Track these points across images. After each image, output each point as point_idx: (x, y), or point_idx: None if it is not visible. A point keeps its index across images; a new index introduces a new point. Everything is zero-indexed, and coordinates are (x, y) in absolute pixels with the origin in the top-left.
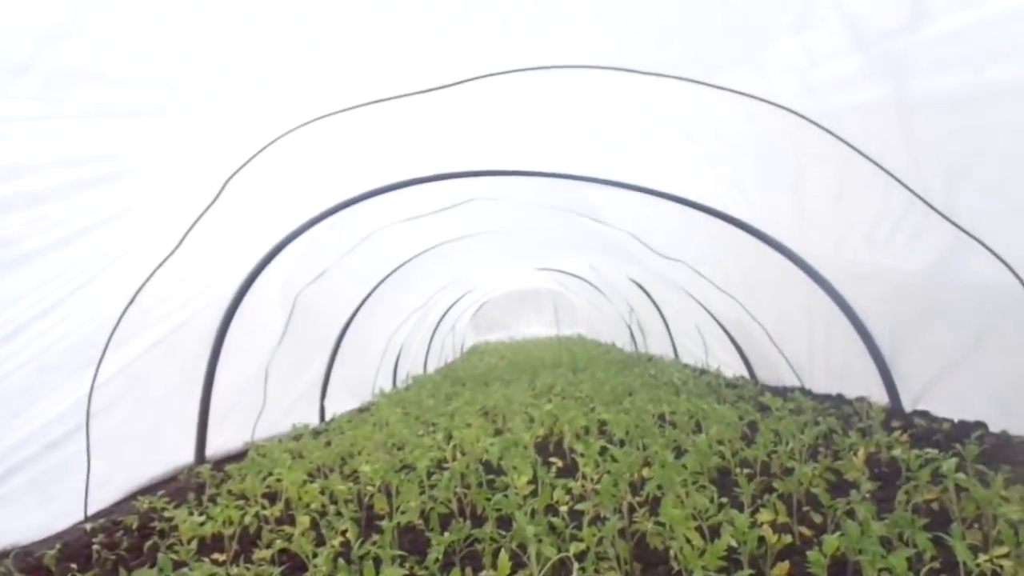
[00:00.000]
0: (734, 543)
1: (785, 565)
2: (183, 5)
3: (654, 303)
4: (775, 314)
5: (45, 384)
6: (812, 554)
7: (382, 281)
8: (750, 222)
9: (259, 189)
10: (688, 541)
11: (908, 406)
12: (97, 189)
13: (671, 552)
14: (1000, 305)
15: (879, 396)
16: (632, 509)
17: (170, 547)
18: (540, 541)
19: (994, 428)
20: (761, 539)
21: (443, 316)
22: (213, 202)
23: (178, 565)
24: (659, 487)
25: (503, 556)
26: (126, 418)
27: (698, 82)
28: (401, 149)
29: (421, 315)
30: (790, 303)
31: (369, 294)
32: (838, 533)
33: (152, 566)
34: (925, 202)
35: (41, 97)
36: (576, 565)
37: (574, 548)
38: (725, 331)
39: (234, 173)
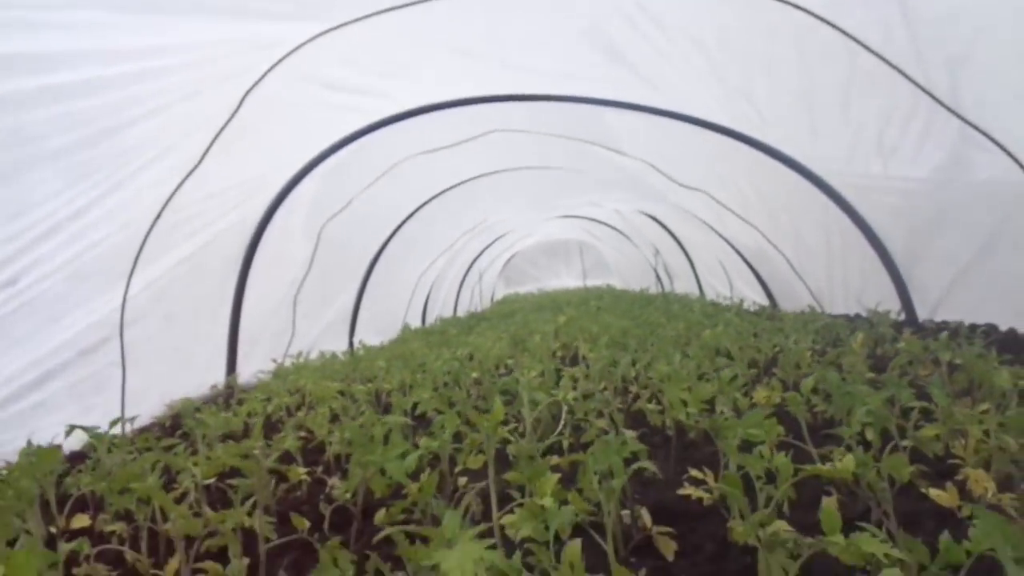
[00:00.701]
0: (725, 410)
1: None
2: None
3: (677, 241)
4: (793, 239)
5: (79, 293)
6: (790, 395)
7: (408, 217)
8: (765, 141)
9: (278, 109)
10: (684, 405)
11: (924, 317)
12: (120, 91)
13: (664, 422)
14: (1009, 201)
15: (897, 312)
16: (627, 391)
17: (201, 437)
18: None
19: (1004, 328)
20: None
21: (472, 263)
22: (233, 116)
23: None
24: (656, 366)
25: (497, 401)
26: (155, 334)
27: None
28: (419, 72)
29: (449, 258)
30: (807, 224)
31: (396, 230)
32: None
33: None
34: (930, 95)
35: None
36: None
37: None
38: (746, 262)
39: (252, 86)
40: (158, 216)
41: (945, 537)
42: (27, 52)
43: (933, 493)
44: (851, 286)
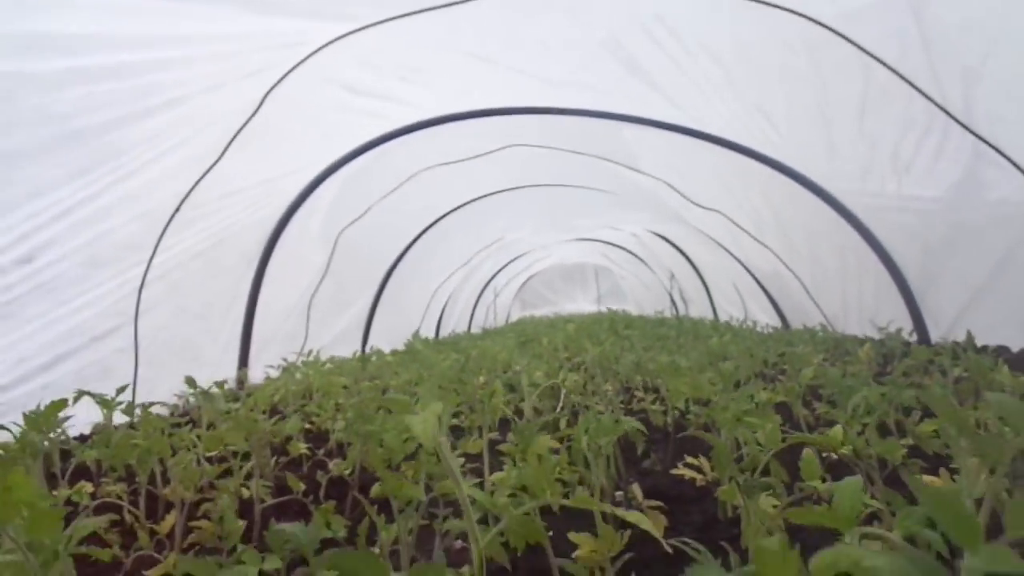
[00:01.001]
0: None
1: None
2: None
3: (692, 264)
4: (807, 260)
5: (94, 279)
6: (790, 386)
7: (426, 229)
8: (780, 160)
9: (298, 110)
10: (684, 397)
11: (937, 339)
12: (144, 77)
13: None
14: (1022, 221)
15: (908, 333)
16: (630, 391)
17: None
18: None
19: (1016, 349)
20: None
21: (488, 282)
22: (254, 114)
23: (210, 425)
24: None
25: (497, 383)
26: (167, 326)
27: None
28: (438, 78)
29: (465, 274)
30: (821, 245)
31: (413, 241)
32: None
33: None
34: (943, 110)
35: None
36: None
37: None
38: (759, 284)
39: (274, 85)
40: (177, 210)
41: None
42: (54, 32)
43: (926, 479)
44: (865, 308)
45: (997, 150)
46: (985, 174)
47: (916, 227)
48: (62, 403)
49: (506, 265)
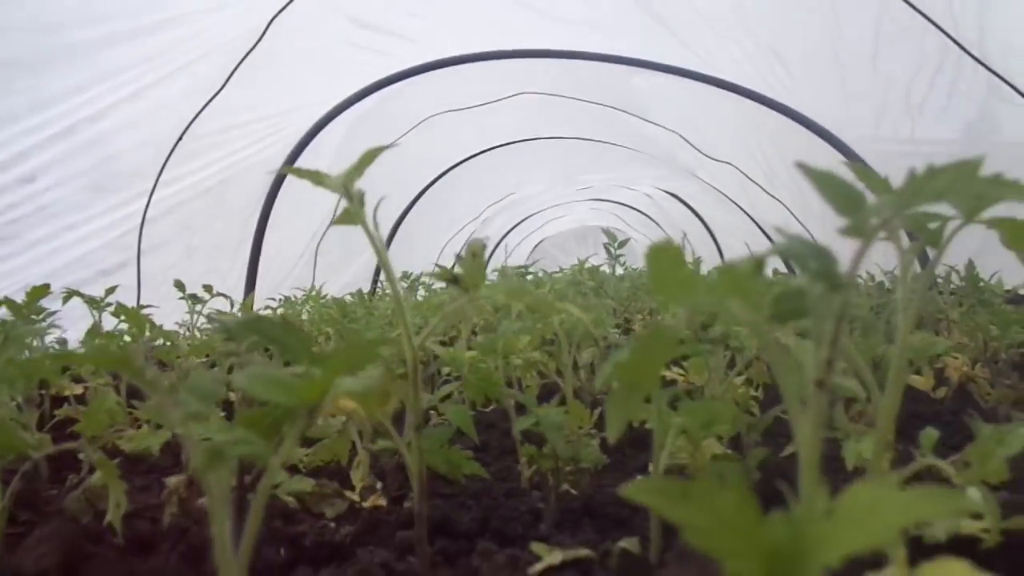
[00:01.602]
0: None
1: None
2: None
3: (704, 223)
4: (819, 214)
5: (99, 205)
6: None
7: (436, 180)
8: (794, 107)
9: (303, 41)
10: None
11: None
12: None
13: None
14: None
15: None
16: (628, 322)
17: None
18: None
19: None
20: None
21: (500, 240)
22: (258, 41)
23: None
24: None
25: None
26: (175, 265)
27: None
28: (447, 11)
29: (475, 228)
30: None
31: (423, 191)
32: None
33: None
34: (957, 43)
35: None
36: None
37: None
38: (771, 240)
39: (280, 11)
40: (179, 139)
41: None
42: None
43: (911, 379)
44: (875, 261)
45: (1011, 85)
46: (999, 112)
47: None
48: (45, 289)
49: (519, 223)
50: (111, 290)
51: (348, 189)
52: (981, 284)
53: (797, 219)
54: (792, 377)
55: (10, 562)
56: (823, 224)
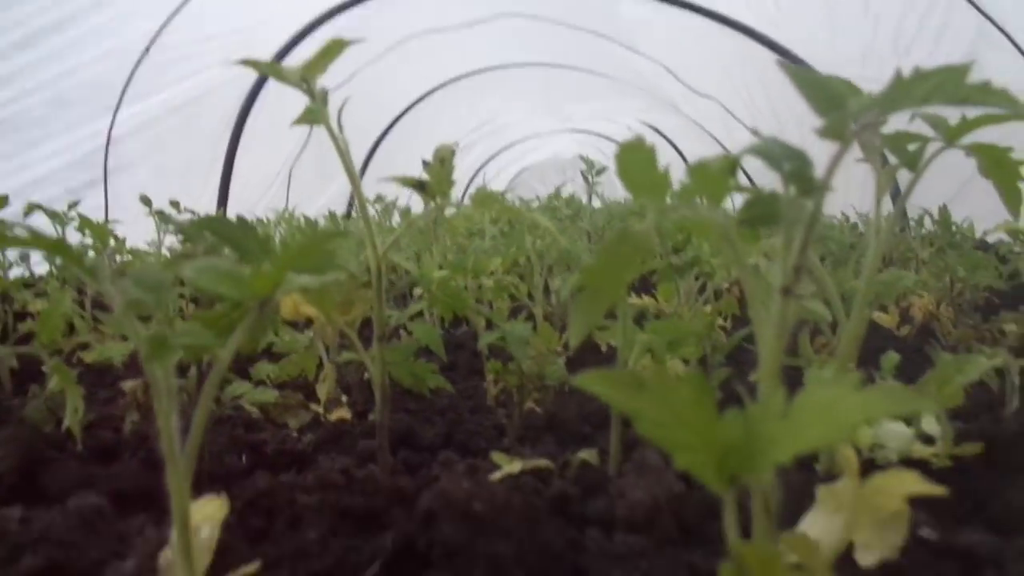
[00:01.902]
0: None
1: None
2: None
3: (685, 160)
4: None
5: (63, 119)
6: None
7: (414, 104)
8: (782, 42)
9: None
10: None
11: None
12: None
13: None
14: None
15: None
16: None
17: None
18: None
19: None
20: None
21: (478, 170)
22: None
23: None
24: None
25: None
26: (144, 186)
27: None
28: None
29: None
30: (817, 139)
31: (401, 114)
32: None
33: None
34: None
35: None
36: None
37: None
38: (751, 181)
39: None
40: (147, 50)
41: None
42: None
43: (876, 316)
44: (853, 204)
45: (1002, 30)
46: (987, 58)
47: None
48: (2, 200)
49: (498, 152)
50: (74, 204)
51: (309, 83)
52: (953, 228)
53: None
54: (758, 282)
55: None
56: None
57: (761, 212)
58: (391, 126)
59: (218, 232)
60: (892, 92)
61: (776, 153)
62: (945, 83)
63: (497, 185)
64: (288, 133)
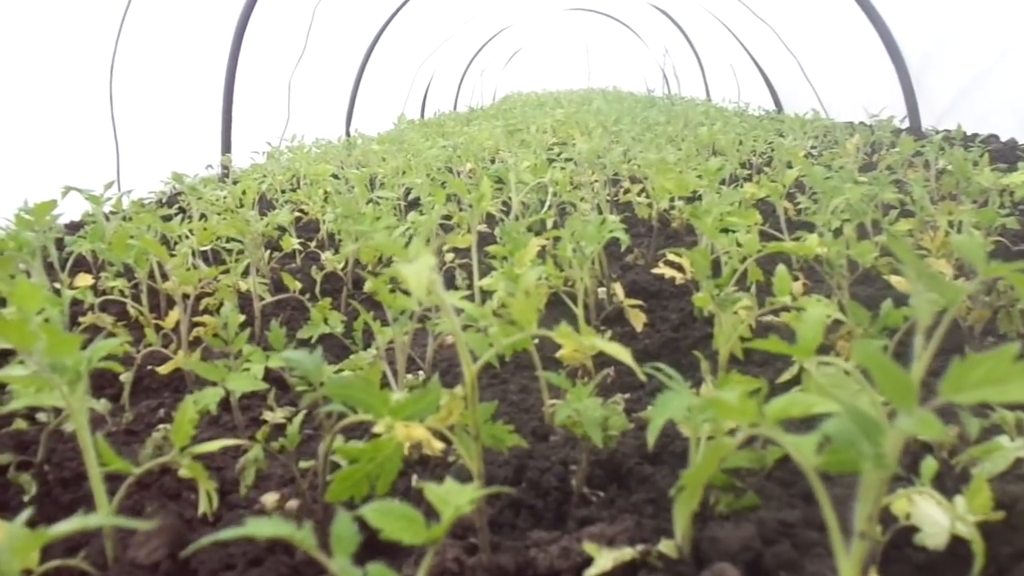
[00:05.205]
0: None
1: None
2: None
3: (688, 39)
4: (807, 39)
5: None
6: (771, 185)
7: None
8: None
9: None
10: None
11: (930, 125)
12: None
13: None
14: None
15: (901, 120)
16: (617, 183)
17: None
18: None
19: (1005, 139)
20: None
21: (473, 58)
22: None
23: (202, 216)
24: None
25: (484, 179)
26: (148, 105)
27: None
28: None
29: (449, 50)
30: (823, 23)
31: (395, 13)
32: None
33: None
34: None
35: None
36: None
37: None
38: (755, 63)
39: None
40: None
41: (888, 304)
42: None
43: (893, 280)
44: (860, 92)
45: None
46: None
47: (924, 6)
48: (52, 203)
49: (492, 38)
50: (109, 185)
51: None
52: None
53: (784, 43)
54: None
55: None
56: (810, 51)
57: None
58: (387, 23)
59: (346, 397)
60: None
61: None
62: None
63: (493, 71)
64: (285, 40)
